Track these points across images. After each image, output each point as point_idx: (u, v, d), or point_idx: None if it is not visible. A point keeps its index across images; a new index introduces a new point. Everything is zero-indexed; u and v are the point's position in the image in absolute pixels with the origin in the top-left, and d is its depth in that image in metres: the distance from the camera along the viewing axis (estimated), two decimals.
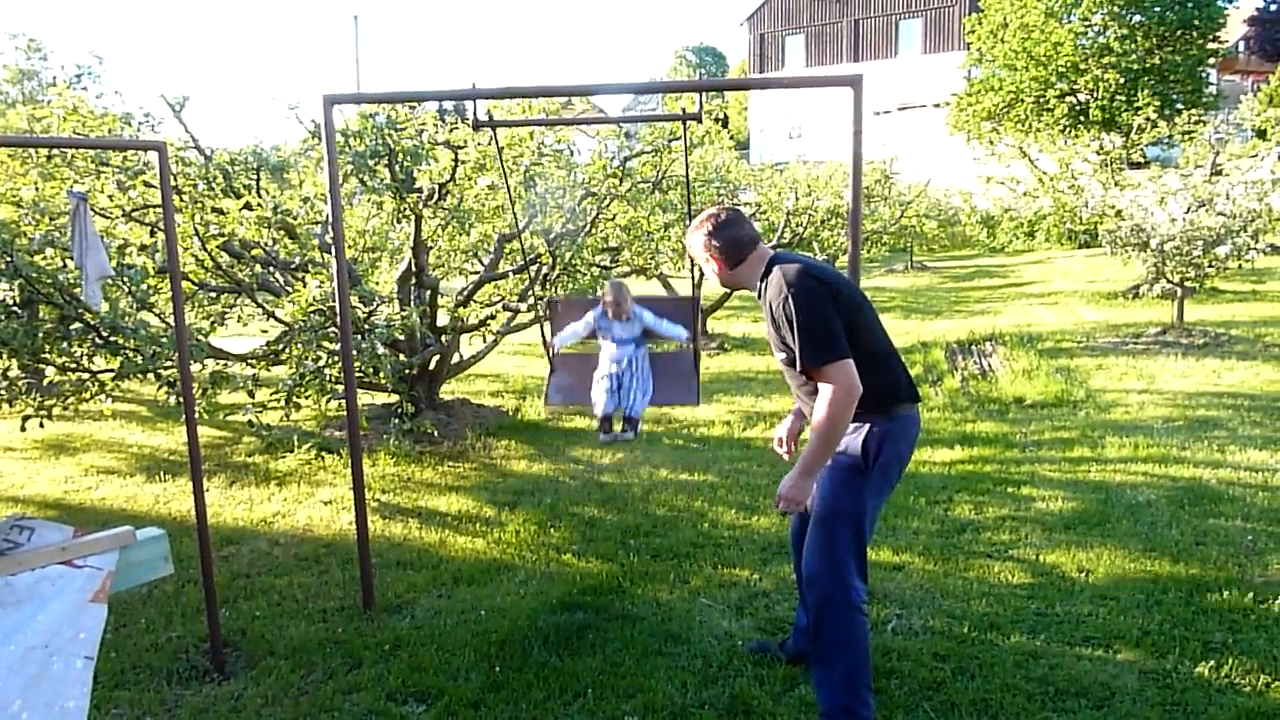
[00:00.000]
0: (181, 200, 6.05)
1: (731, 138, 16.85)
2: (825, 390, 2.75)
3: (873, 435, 2.88)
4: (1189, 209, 10.50)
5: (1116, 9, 26.86)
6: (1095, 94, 27.35)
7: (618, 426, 5.08)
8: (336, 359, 5.72)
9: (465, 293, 7.49)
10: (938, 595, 4.06)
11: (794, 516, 3.44)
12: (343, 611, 4.11)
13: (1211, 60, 28.41)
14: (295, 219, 6.46)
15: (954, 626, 3.75)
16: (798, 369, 2.86)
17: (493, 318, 7.74)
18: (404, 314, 6.41)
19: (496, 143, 4.76)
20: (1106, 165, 14.45)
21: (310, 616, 4.07)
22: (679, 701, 3.25)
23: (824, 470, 2.92)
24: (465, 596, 4.23)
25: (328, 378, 5.97)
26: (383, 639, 3.81)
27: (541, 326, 5.49)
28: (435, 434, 6.97)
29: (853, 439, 2.89)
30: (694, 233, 3.14)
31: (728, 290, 3.44)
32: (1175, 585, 4.07)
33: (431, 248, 7.79)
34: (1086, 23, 27.39)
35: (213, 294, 7.18)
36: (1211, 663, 3.39)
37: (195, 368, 6.01)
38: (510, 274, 7.80)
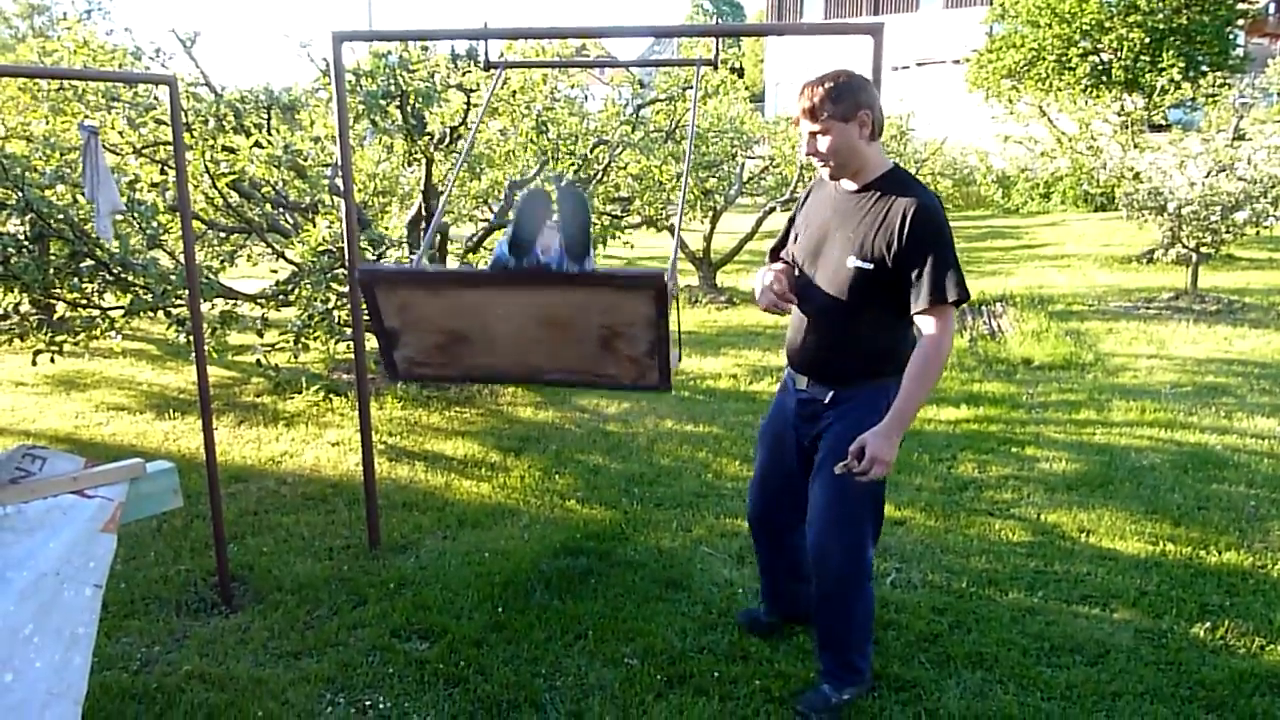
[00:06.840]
0: (192, 137, 6.01)
1: (747, 89, 16.59)
2: (932, 329, 2.56)
3: (892, 396, 2.65)
4: (1209, 173, 10.34)
5: None
6: (1119, 53, 26.74)
7: None
8: (345, 301, 5.72)
9: (475, 239, 7.45)
10: (938, 551, 4.09)
11: (756, 495, 3.16)
12: (349, 550, 4.17)
13: (1240, 22, 27.73)
14: (305, 160, 6.42)
15: (953, 582, 3.78)
16: (912, 299, 2.56)
17: None
18: (414, 258, 6.38)
19: (496, 84, 4.57)
20: (1127, 127, 14.22)
21: (317, 554, 4.12)
22: (679, 646, 3.30)
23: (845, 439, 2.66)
24: (469, 539, 4.28)
25: (336, 320, 5.97)
26: (388, 578, 3.86)
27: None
28: None
29: (882, 399, 2.66)
30: (835, 83, 2.61)
31: (822, 163, 2.74)
32: (1175, 548, 4.09)
33: (442, 192, 7.73)
34: None
35: (222, 233, 7.16)
36: (1208, 624, 3.42)
37: (205, 307, 6.03)
38: None
